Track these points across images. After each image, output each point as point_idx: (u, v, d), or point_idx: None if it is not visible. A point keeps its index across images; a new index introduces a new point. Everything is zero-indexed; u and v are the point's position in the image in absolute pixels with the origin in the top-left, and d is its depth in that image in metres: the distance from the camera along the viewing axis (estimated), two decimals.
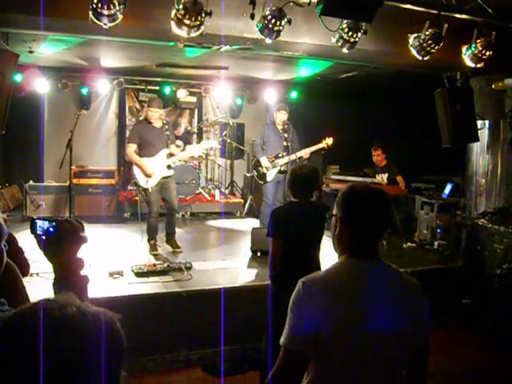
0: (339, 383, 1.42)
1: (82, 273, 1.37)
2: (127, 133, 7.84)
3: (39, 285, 3.92)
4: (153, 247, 5.46)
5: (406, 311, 1.45)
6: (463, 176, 6.08)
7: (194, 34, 3.50)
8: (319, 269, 3.17)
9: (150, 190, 5.33)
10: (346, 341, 1.38)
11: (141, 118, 6.20)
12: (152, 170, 5.29)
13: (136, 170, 5.39)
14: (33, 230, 1.34)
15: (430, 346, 1.54)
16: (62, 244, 1.31)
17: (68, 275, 1.32)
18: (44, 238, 1.32)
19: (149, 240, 5.50)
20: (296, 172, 3.25)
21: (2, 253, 1.30)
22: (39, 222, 1.33)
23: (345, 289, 1.42)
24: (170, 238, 5.64)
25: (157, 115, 5.36)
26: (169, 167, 5.45)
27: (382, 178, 6.50)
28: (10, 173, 7.97)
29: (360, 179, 6.41)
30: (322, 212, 3.31)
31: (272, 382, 1.42)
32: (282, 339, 1.42)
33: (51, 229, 1.32)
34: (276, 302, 3.10)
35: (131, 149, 5.38)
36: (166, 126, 5.49)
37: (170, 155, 5.47)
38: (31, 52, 5.77)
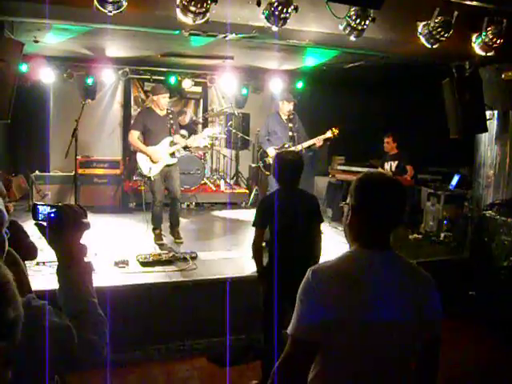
0: (347, 374, 1.41)
1: (86, 260, 1.35)
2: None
3: (46, 274, 3.94)
4: (158, 237, 5.45)
5: (414, 302, 1.43)
6: (470, 167, 6.02)
7: (199, 22, 3.46)
8: (311, 259, 3.15)
9: (153, 179, 5.30)
10: (354, 330, 1.36)
11: (147, 106, 6.19)
12: (158, 156, 5.28)
13: (139, 158, 5.37)
14: (35, 216, 1.33)
15: (440, 341, 1.51)
16: (63, 230, 1.30)
17: (71, 262, 1.31)
18: (46, 224, 1.31)
19: (154, 229, 5.48)
20: (281, 158, 3.22)
21: (3, 240, 1.29)
22: (41, 208, 1.32)
23: (354, 278, 1.40)
24: (173, 229, 5.62)
25: (167, 101, 5.44)
26: (172, 155, 5.42)
27: (391, 165, 6.46)
28: (16, 163, 7.99)
29: (365, 170, 6.37)
30: (313, 200, 3.28)
31: (278, 373, 1.40)
32: (289, 328, 1.40)
33: (52, 214, 1.30)
34: (267, 294, 3.09)
35: (134, 136, 5.37)
36: (170, 115, 5.48)
37: (173, 143, 5.44)
38: (36, 42, 5.75)
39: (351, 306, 1.36)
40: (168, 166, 5.38)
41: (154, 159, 5.28)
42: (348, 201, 1.54)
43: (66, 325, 1.18)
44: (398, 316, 1.39)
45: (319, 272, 1.42)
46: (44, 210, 1.32)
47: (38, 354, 1.10)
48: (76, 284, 1.30)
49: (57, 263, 1.33)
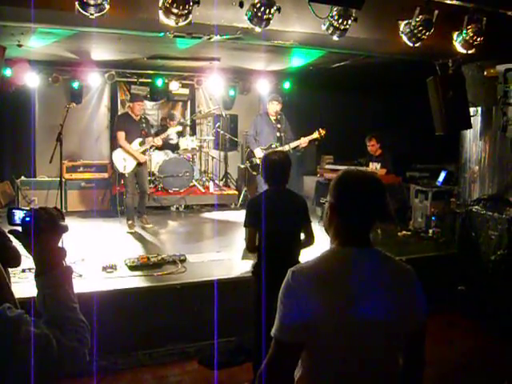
0: (333, 372, 1.40)
1: (66, 264, 1.32)
2: None
3: (31, 280, 3.90)
4: (130, 226, 6.21)
5: (398, 298, 1.42)
6: (457, 164, 6.08)
7: (182, 23, 3.46)
8: (297, 258, 3.16)
9: (127, 175, 6.20)
10: (338, 329, 1.36)
11: (125, 111, 7.01)
12: (141, 155, 6.24)
13: (115, 157, 6.24)
14: (10, 221, 1.30)
15: (426, 333, 1.51)
16: (40, 234, 1.26)
17: (49, 267, 1.27)
18: (21, 228, 1.28)
19: (127, 220, 6.25)
20: (268, 158, 3.23)
21: None
22: (17, 213, 1.29)
23: (334, 276, 1.39)
24: (141, 216, 6.49)
25: (142, 108, 6.47)
26: (143, 153, 6.37)
27: (376, 167, 6.50)
28: (2, 168, 7.88)
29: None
30: (300, 200, 3.29)
31: (264, 375, 1.39)
32: (272, 331, 1.39)
33: (27, 218, 1.27)
34: (257, 295, 3.10)
35: (122, 136, 6.20)
36: (143, 120, 6.43)
37: (142, 143, 6.33)
38: (20, 46, 5.69)
39: (333, 305, 1.36)
40: (139, 164, 6.27)
41: (140, 158, 6.23)
42: (327, 198, 1.54)
43: (44, 333, 1.16)
44: (381, 313, 1.38)
45: (299, 272, 1.41)
46: (19, 214, 1.28)
47: (19, 366, 1.09)
48: (55, 290, 1.26)
49: (34, 269, 1.30)
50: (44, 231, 1.27)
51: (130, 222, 6.23)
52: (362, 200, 1.46)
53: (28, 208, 1.30)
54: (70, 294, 1.29)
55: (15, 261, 2.49)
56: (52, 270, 1.28)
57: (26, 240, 1.28)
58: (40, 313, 1.25)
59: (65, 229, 1.32)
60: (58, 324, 1.21)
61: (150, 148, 6.82)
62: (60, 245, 1.32)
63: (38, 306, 1.26)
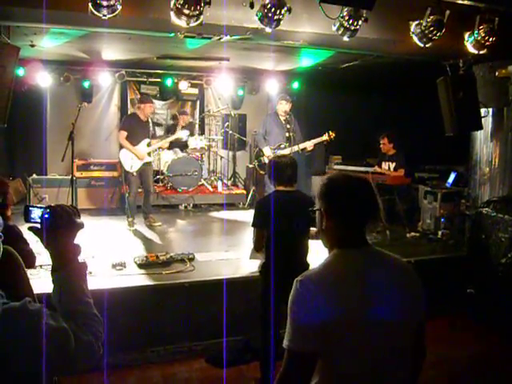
0: (349, 377, 1.38)
1: (81, 260, 1.35)
2: None
3: (43, 277, 3.95)
4: (130, 224, 6.29)
5: (406, 294, 1.44)
6: (467, 165, 6.03)
7: (193, 24, 3.48)
8: (306, 259, 3.17)
9: (134, 174, 6.28)
10: (352, 332, 1.35)
11: (133, 112, 7.07)
12: (143, 154, 6.27)
13: (122, 156, 6.29)
14: (27, 218, 1.33)
15: (425, 325, 1.52)
16: (57, 230, 1.30)
17: (66, 263, 1.30)
18: (40, 225, 1.31)
19: (128, 217, 6.30)
20: (276, 160, 3.27)
21: None
22: (33, 210, 1.32)
23: (343, 280, 1.39)
24: (147, 216, 6.52)
25: (152, 110, 6.56)
26: (149, 154, 6.46)
27: (389, 166, 6.47)
28: (14, 166, 7.99)
29: (362, 169, 6.39)
30: (309, 201, 3.31)
31: None
32: (284, 342, 1.37)
33: (46, 215, 1.30)
34: (264, 294, 3.11)
35: (123, 135, 6.28)
36: (150, 122, 6.55)
37: (150, 144, 6.45)
38: (33, 46, 5.76)
39: (345, 309, 1.35)
40: (145, 163, 6.35)
41: (140, 157, 6.25)
42: (318, 206, 1.54)
43: (63, 327, 1.18)
44: (395, 311, 1.38)
45: (306, 281, 1.40)
46: (36, 211, 1.32)
47: (36, 358, 1.11)
48: (71, 285, 1.30)
49: (51, 264, 1.33)
50: (61, 228, 1.30)
51: (130, 219, 6.30)
52: (355, 201, 1.48)
53: (45, 206, 1.33)
54: (85, 290, 1.33)
55: (31, 262, 2.54)
56: (68, 266, 1.31)
57: (44, 236, 1.31)
58: (55, 307, 1.27)
59: (80, 226, 1.35)
60: (73, 318, 1.23)
61: (159, 149, 6.91)
62: (75, 242, 1.35)
63: (54, 301, 1.29)
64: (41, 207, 1.33)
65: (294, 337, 1.36)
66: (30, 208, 1.33)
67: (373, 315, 1.36)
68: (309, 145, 5.97)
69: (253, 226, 3.24)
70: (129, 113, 8.33)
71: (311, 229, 3.06)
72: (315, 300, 1.35)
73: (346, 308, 1.35)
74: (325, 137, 6.01)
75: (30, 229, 1.33)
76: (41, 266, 4.07)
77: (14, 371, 1.07)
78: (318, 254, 3.16)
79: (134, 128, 6.29)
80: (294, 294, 1.40)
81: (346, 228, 1.49)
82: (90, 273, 4.15)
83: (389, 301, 1.40)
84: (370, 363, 1.37)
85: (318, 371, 1.41)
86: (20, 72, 6.73)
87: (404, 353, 1.45)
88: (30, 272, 3.87)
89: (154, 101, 7.21)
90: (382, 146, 6.60)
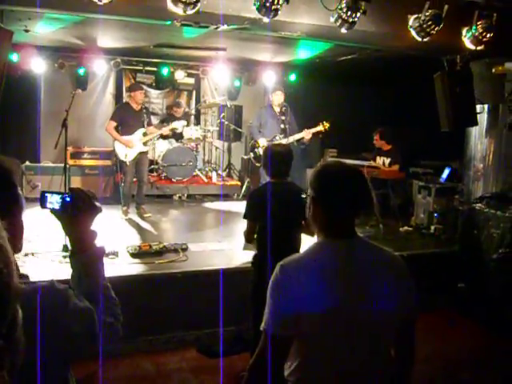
0: (325, 364, 1.40)
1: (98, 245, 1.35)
2: None
3: (34, 265, 3.94)
4: (124, 212, 6.31)
5: (388, 286, 1.43)
6: (461, 161, 6.06)
7: (190, 12, 3.44)
8: (298, 252, 3.18)
9: (128, 164, 6.23)
10: (328, 320, 1.36)
11: (125, 102, 7.03)
12: (132, 144, 6.21)
13: (117, 145, 6.28)
14: (43, 204, 1.30)
15: (415, 322, 1.52)
16: (79, 214, 1.29)
17: (85, 247, 1.31)
18: (61, 209, 1.29)
19: (122, 206, 6.32)
20: (271, 150, 3.23)
21: (23, 225, 1.24)
22: (49, 196, 1.30)
23: (323, 269, 1.40)
24: (138, 207, 6.48)
25: (143, 96, 6.47)
26: (145, 144, 6.39)
27: (384, 161, 6.49)
28: (7, 153, 7.88)
29: (357, 162, 6.39)
30: (301, 192, 3.30)
31: (253, 369, 1.40)
32: (262, 325, 1.39)
33: (68, 199, 1.28)
34: (256, 286, 3.12)
35: (111, 125, 6.25)
36: (144, 110, 6.43)
37: (145, 134, 6.37)
38: (27, 31, 5.68)
39: (321, 297, 1.36)
40: (140, 153, 6.31)
41: (130, 145, 6.19)
42: (309, 192, 1.53)
43: (89, 307, 1.19)
44: (370, 300, 1.38)
45: (287, 266, 1.41)
46: (53, 197, 1.29)
47: (64, 339, 1.11)
48: (91, 268, 1.30)
49: (70, 248, 1.33)
50: (83, 211, 1.29)
51: (124, 208, 6.31)
52: (345, 190, 1.46)
53: (68, 189, 1.32)
54: (103, 273, 1.33)
55: (16, 248, 2.51)
56: (88, 250, 1.31)
57: (65, 219, 1.30)
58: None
59: (100, 209, 1.35)
60: (94, 301, 1.23)
61: (157, 138, 6.81)
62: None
63: (73, 285, 1.29)
64: (57, 192, 1.31)
65: (270, 321, 1.38)
66: (46, 194, 1.30)
67: (348, 307, 1.37)
68: (303, 135, 5.95)
69: (244, 217, 3.24)
70: (123, 102, 8.27)
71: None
72: (293, 287, 1.36)
73: (324, 296, 1.36)
74: (319, 127, 6.00)
75: (53, 212, 1.30)
76: (32, 253, 4.07)
77: (41, 351, 1.06)
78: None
79: (125, 118, 6.24)
80: (273, 278, 1.41)
81: (332, 216, 1.48)
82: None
83: (372, 292, 1.40)
84: (346, 352, 1.39)
85: (293, 356, 1.43)
86: (14, 57, 6.63)
87: (381, 345, 1.45)
88: (22, 259, 3.88)
89: (149, 90, 7.15)
90: (374, 141, 6.65)
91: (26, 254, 4.02)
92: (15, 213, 1.16)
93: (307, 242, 3.26)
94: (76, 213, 1.29)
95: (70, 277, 1.33)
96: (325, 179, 1.50)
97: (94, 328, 1.18)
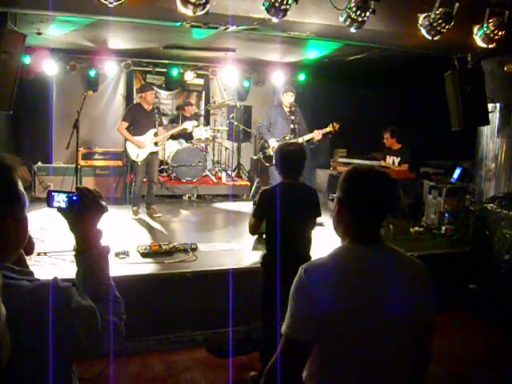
0: (346, 369, 1.39)
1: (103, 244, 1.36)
2: None
3: (47, 264, 3.98)
4: (135, 213, 6.36)
5: (410, 292, 1.42)
6: (472, 160, 5.99)
7: (199, 13, 3.46)
8: (308, 253, 3.16)
9: (139, 163, 6.26)
10: (351, 326, 1.35)
11: (136, 102, 7.00)
12: (144, 144, 6.24)
13: (129, 145, 6.32)
14: (49, 203, 1.32)
15: (434, 326, 1.51)
16: (85, 213, 1.30)
17: (91, 245, 1.32)
18: (68, 208, 1.30)
19: (132, 206, 6.39)
20: (283, 149, 3.19)
21: (27, 221, 1.25)
22: (56, 195, 1.31)
23: (347, 274, 1.38)
24: (149, 207, 6.51)
25: (153, 96, 6.49)
26: (155, 144, 6.42)
27: (394, 161, 6.46)
28: (19, 154, 7.99)
29: (367, 162, 6.37)
30: (313, 194, 3.27)
31: (271, 372, 1.37)
32: (283, 328, 1.37)
33: (74, 197, 1.30)
34: (265, 286, 3.12)
35: (123, 125, 6.28)
36: (156, 111, 6.45)
37: (156, 134, 6.38)
38: (39, 34, 5.76)
39: (345, 302, 1.35)
40: (151, 153, 6.33)
41: (142, 146, 6.22)
42: (337, 194, 1.51)
43: (92, 306, 1.19)
44: (394, 307, 1.37)
45: (311, 270, 1.40)
46: (59, 196, 1.31)
47: (67, 336, 1.11)
48: (95, 267, 1.31)
49: (75, 247, 1.34)
50: (89, 209, 1.31)
51: (134, 208, 6.36)
52: (372, 195, 1.44)
53: (69, 191, 1.33)
54: (107, 272, 1.34)
55: (30, 250, 2.54)
56: (93, 249, 1.32)
57: (71, 218, 1.31)
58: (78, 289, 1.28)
59: (106, 209, 1.35)
60: (97, 300, 1.24)
61: (167, 139, 6.84)
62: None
63: (78, 284, 1.29)
64: (64, 191, 1.32)
65: (293, 324, 1.36)
66: (53, 193, 1.32)
67: (372, 313, 1.35)
68: (313, 136, 5.94)
69: (253, 216, 3.24)
70: (134, 102, 8.34)
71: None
72: (318, 290, 1.34)
73: (347, 302, 1.34)
74: (329, 128, 5.99)
75: (59, 210, 1.32)
76: (45, 253, 4.11)
77: (44, 348, 1.06)
78: (322, 247, 3.19)
79: (137, 119, 6.27)
80: (297, 281, 1.39)
81: (356, 221, 1.46)
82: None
83: (394, 299, 1.38)
84: (368, 359, 1.37)
85: (313, 360, 1.41)
86: (27, 60, 6.73)
87: (403, 351, 1.44)
88: (34, 259, 3.93)
89: (159, 91, 7.15)
90: (385, 140, 6.61)
91: (39, 254, 4.07)
92: (17, 210, 1.17)
93: (320, 244, 3.26)
94: (82, 211, 1.30)
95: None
96: (355, 181, 1.48)
97: (97, 326, 1.18)
